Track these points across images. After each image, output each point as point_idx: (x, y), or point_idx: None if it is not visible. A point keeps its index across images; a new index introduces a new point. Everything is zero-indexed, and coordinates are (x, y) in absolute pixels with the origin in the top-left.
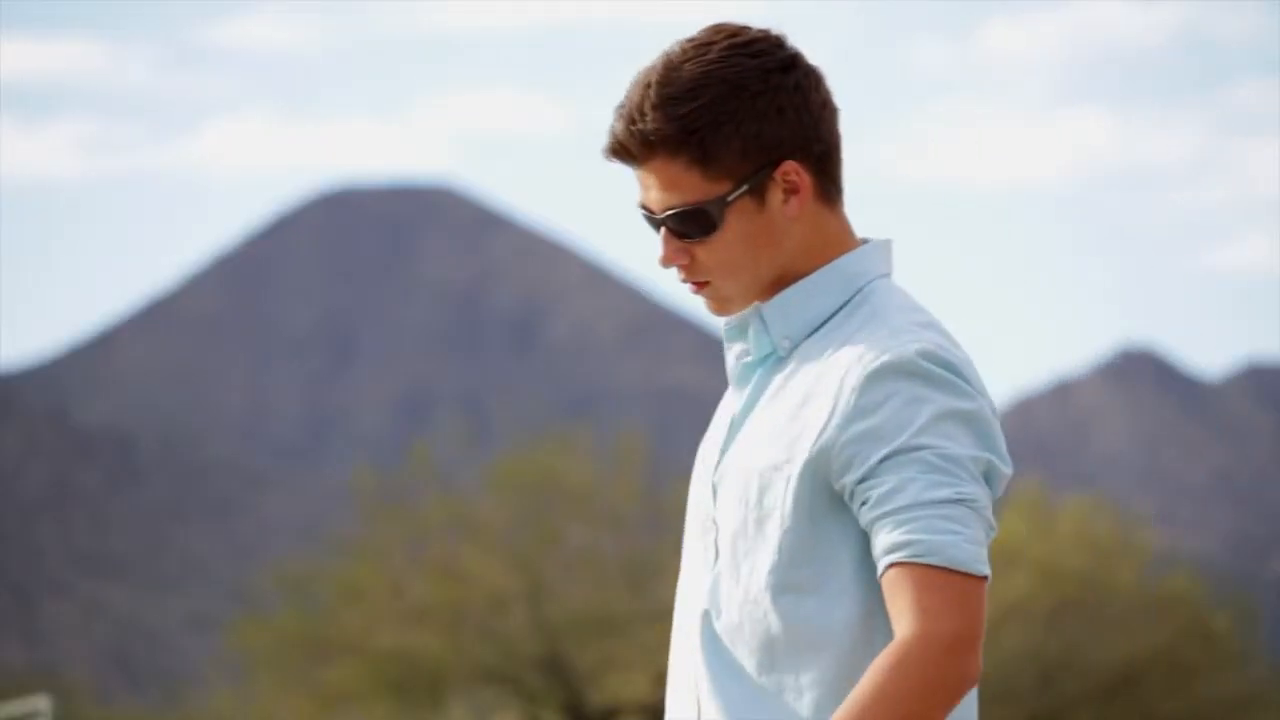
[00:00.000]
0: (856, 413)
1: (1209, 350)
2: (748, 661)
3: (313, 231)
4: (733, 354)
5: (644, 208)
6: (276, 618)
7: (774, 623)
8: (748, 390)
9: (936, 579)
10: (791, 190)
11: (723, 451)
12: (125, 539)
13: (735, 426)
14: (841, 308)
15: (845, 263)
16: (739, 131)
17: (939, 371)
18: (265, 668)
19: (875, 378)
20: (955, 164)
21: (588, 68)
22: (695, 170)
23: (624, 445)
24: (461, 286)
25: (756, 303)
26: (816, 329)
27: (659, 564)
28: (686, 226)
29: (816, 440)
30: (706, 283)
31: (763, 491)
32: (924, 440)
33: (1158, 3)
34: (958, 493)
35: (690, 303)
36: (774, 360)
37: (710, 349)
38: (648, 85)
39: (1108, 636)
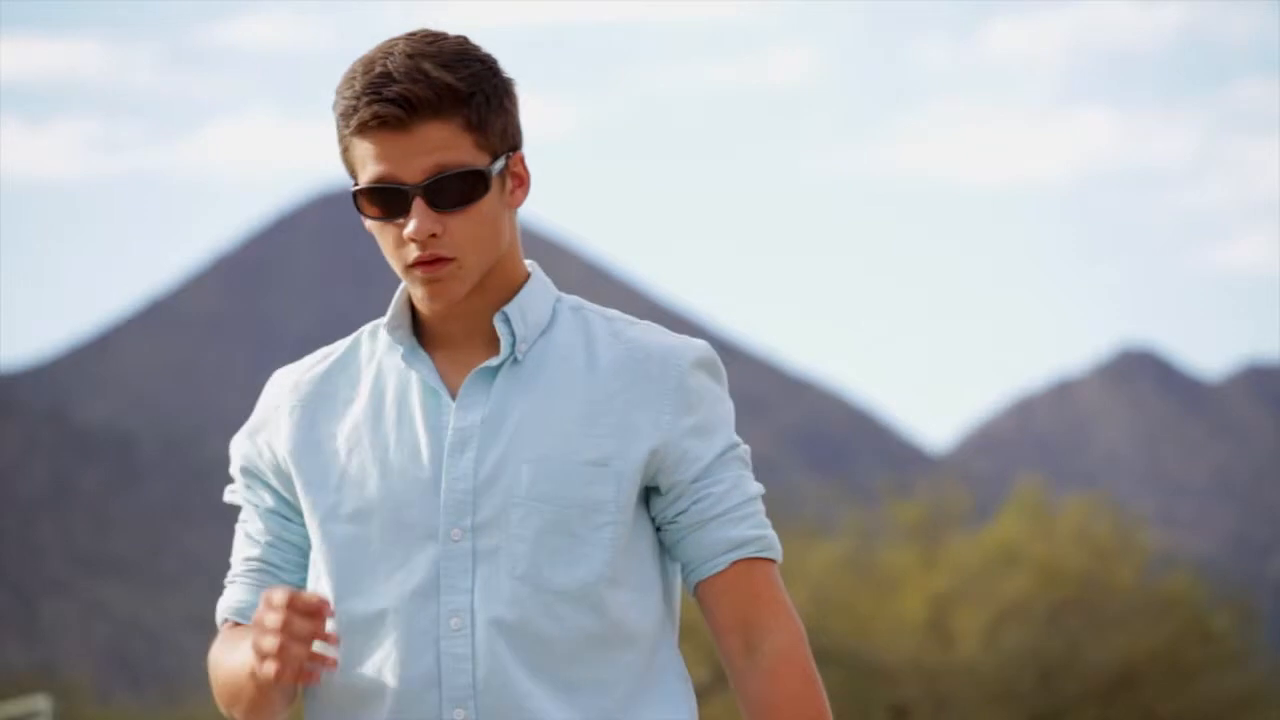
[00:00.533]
0: (683, 409)
1: (1209, 350)
2: (550, 659)
3: (313, 231)
4: (425, 369)
5: (388, 180)
6: None
7: (598, 617)
8: (491, 393)
9: (775, 572)
10: (519, 183)
11: (479, 459)
12: (125, 539)
13: (491, 431)
14: (553, 317)
15: (542, 275)
16: (501, 107)
17: (723, 370)
18: None
19: (692, 374)
20: (956, 164)
21: (588, 68)
22: (469, 135)
23: None
24: None
25: (502, 307)
26: (539, 335)
27: None
28: (451, 192)
29: (654, 435)
30: (452, 260)
31: (586, 487)
32: (736, 438)
33: (1159, 3)
34: (760, 488)
35: (691, 303)
36: (510, 364)
37: None
38: (409, 55)
39: (1108, 636)
